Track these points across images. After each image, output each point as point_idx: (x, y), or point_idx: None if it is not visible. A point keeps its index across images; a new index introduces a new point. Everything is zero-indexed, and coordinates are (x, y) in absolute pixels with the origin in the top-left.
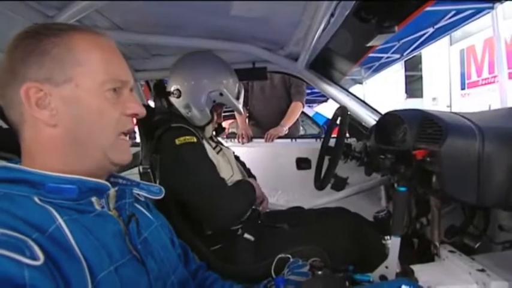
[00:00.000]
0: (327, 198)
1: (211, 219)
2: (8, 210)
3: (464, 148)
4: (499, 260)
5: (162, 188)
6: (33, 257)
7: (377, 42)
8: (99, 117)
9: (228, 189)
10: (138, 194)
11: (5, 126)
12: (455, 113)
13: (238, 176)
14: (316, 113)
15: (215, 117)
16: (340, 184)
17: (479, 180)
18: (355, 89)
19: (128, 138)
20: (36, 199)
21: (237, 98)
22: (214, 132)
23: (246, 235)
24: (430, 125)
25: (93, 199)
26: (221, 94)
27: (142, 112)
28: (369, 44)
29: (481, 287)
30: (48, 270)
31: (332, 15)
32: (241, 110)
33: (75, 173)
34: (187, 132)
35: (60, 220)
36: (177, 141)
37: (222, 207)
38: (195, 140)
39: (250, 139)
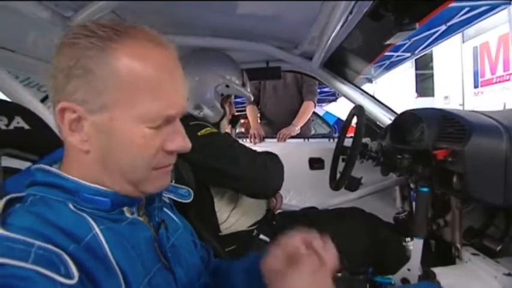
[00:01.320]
0: (341, 199)
1: (256, 187)
2: (44, 217)
3: (490, 147)
4: None
5: (190, 190)
6: (68, 275)
7: (396, 39)
8: (134, 152)
9: (265, 158)
10: (165, 197)
11: (26, 127)
12: (477, 112)
13: None
14: (326, 112)
15: (227, 110)
16: (354, 184)
17: (506, 181)
18: (364, 88)
19: (168, 168)
20: (71, 206)
21: (244, 86)
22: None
23: (262, 236)
24: (451, 124)
25: (125, 208)
26: (227, 86)
27: (186, 148)
28: (388, 42)
29: None
30: (83, 287)
31: (350, 12)
32: (251, 96)
33: (110, 186)
34: (207, 126)
35: (96, 229)
36: (200, 133)
37: (265, 176)
38: (216, 130)
39: (262, 139)
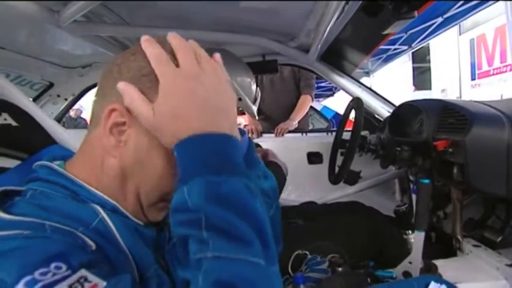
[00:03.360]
0: (340, 193)
1: None
2: (47, 207)
3: (491, 137)
4: None
5: None
6: (86, 244)
7: (395, 29)
8: (157, 178)
9: None
10: None
11: (14, 124)
12: (478, 101)
13: None
14: (324, 106)
15: None
16: (353, 178)
17: (508, 171)
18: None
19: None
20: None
21: (254, 102)
22: None
23: None
24: (451, 114)
25: None
26: (240, 99)
27: None
28: (386, 32)
29: (511, 283)
30: (102, 256)
31: (347, 2)
32: (256, 115)
33: (113, 199)
34: None
35: (103, 213)
36: None
37: None
38: None
39: (260, 134)
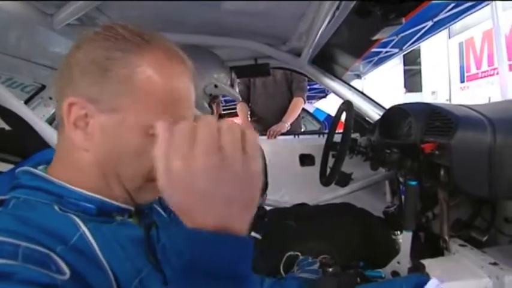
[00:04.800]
0: (331, 195)
1: None
2: (28, 220)
3: (475, 140)
4: (511, 253)
5: None
6: (60, 272)
7: (383, 34)
8: (135, 159)
9: None
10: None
11: (7, 128)
12: (464, 105)
13: None
14: (317, 109)
15: (214, 110)
16: (344, 180)
17: (490, 173)
18: (353, 84)
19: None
20: (56, 208)
21: (232, 85)
22: None
23: (253, 233)
24: (438, 118)
25: (113, 213)
26: (216, 86)
27: None
28: (375, 37)
29: (494, 281)
30: (77, 283)
31: (337, 8)
32: (239, 96)
33: (98, 193)
34: None
35: (83, 228)
36: None
37: None
38: None
39: None
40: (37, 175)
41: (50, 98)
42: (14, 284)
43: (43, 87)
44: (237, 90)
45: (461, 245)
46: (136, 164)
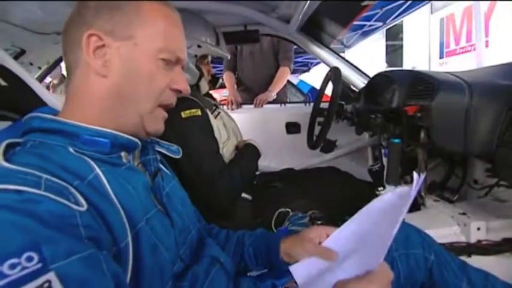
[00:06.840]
0: (317, 160)
1: (207, 199)
2: (48, 157)
3: (454, 102)
4: (477, 205)
5: (180, 148)
6: (78, 203)
7: (372, 0)
8: (147, 81)
9: (227, 172)
10: (158, 152)
11: (3, 83)
12: (446, 72)
13: (234, 140)
14: (301, 81)
15: (204, 71)
16: (329, 146)
17: (466, 132)
18: None
19: (165, 112)
20: (71, 149)
21: (218, 44)
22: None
23: (244, 194)
24: (421, 83)
25: (122, 154)
26: (199, 46)
27: (187, 90)
28: (365, 3)
29: (462, 228)
30: (93, 216)
31: None
32: (226, 54)
33: (109, 128)
34: (193, 105)
35: (97, 170)
36: (183, 115)
37: (219, 191)
38: (200, 113)
39: (239, 105)
40: (47, 119)
41: (31, 64)
42: (41, 212)
43: (23, 52)
44: (224, 48)
45: (435, 201)
46: (149, 86)
